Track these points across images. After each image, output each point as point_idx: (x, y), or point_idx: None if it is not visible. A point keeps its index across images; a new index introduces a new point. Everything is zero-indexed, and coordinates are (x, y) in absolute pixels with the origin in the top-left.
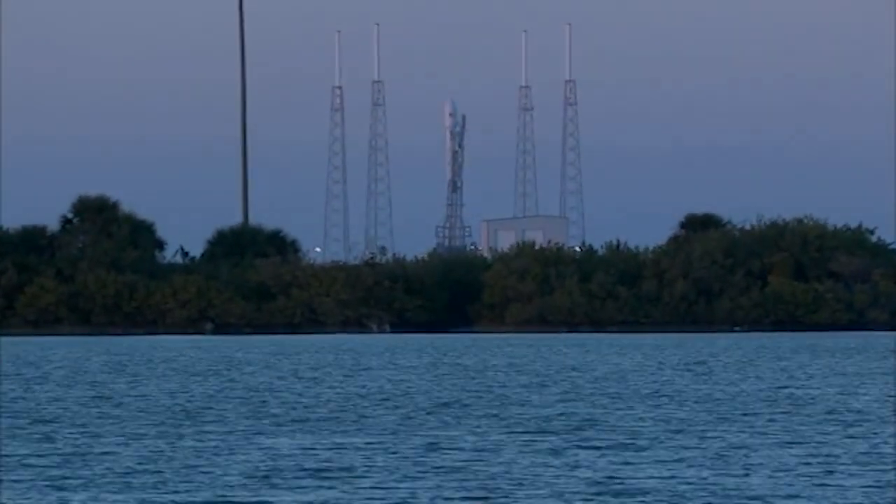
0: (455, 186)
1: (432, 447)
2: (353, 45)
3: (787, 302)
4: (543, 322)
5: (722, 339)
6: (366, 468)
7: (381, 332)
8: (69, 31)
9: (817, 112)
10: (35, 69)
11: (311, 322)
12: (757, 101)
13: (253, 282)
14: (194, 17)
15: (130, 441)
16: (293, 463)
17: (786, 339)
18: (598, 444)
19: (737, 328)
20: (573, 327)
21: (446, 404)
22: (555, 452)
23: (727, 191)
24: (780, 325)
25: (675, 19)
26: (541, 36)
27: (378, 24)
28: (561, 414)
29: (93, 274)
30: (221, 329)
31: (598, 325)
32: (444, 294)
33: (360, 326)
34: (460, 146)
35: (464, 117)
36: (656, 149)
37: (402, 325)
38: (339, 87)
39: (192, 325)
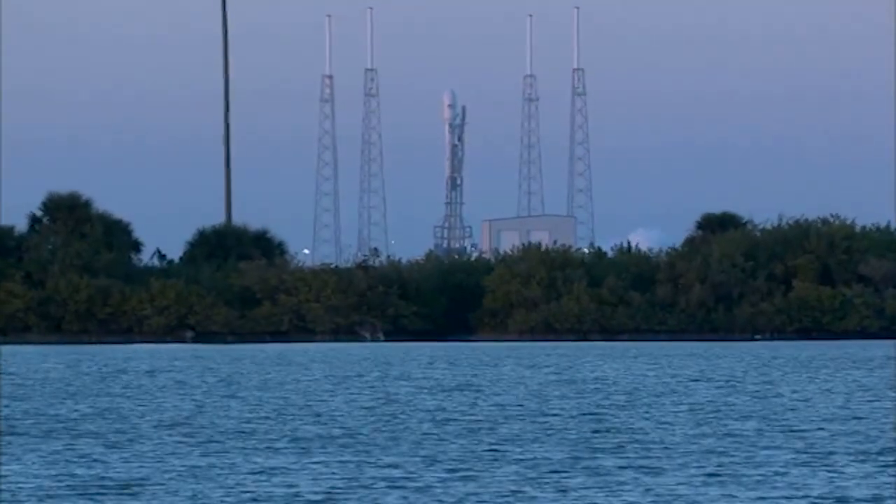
0: (454, 183)
1: None
2: (344, 30)
3: (812, 308)
4: (549, 330)
5: (751, 348)
6: None
7: (375, 340)
8: (37, 22)
9: (843, 105)
10: (2, 60)
11: (300, 330)
12: (779, 93)
13: (237, 286)
14: (173, 2)
15: None
16: None
17: (818, 349)
18: None
19: (758, 336)
20: (582, 335)
21: None
22: None
23: (747, 188)
24: (804, 333)
25: (691, 4)
26: (547, 21)
27: (371, 8)
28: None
29: (64, 278)
30: (202, 337)
31: (608, 334)
32: (443, 300)
33: (351, 334)
34: (460, 140)
35: (464, 109)
36: (671, 143)
37: (396, 332)
38: (330, 77)
39: (170, 333)
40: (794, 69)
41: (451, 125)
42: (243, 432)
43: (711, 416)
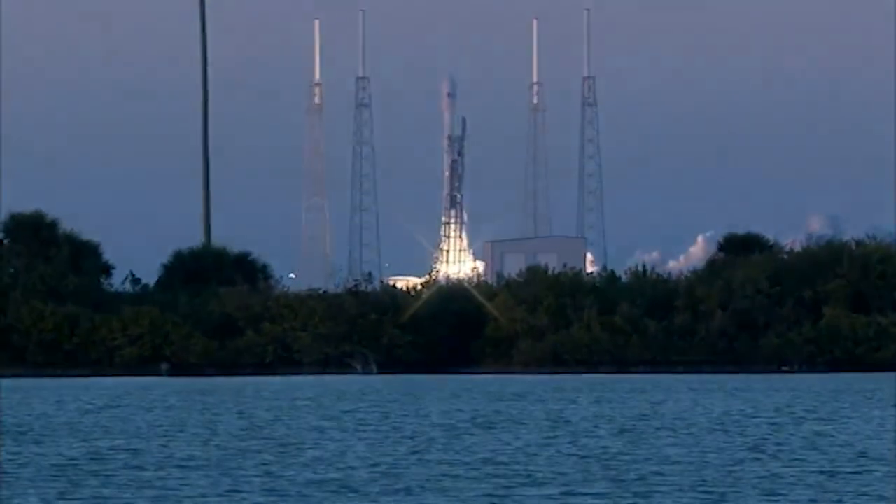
0: (454, 201)
1: None
2: (334, 34)
3: (844, 338)
4: (558, 361)
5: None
6: None
7: (367, 372)
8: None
9: (874, 109)
10: None
11: (285, 361)
12: (808, 98)
13: (216, 314)
14: (146, 7)
15: None
16: None
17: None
18: None
19: (785, 368)
20: (593, 367)
21: None
22: None
23: (774, 205)
24: (836, 365)
25: (710, 7)
26: (554, 24)
27: (363, 11)
28: None
29: (27, 305)
30: (179, 369)
31: (621, 365)
32: (441, 328)
33: (341, 366)
34: (460, 154)
35: (464, 120)
36: (690, 158)
37: (391, 364)
38: (318, 85)
39: (144, 365)
40: (821, 76)
41: (450, 137)
42: None
43: None
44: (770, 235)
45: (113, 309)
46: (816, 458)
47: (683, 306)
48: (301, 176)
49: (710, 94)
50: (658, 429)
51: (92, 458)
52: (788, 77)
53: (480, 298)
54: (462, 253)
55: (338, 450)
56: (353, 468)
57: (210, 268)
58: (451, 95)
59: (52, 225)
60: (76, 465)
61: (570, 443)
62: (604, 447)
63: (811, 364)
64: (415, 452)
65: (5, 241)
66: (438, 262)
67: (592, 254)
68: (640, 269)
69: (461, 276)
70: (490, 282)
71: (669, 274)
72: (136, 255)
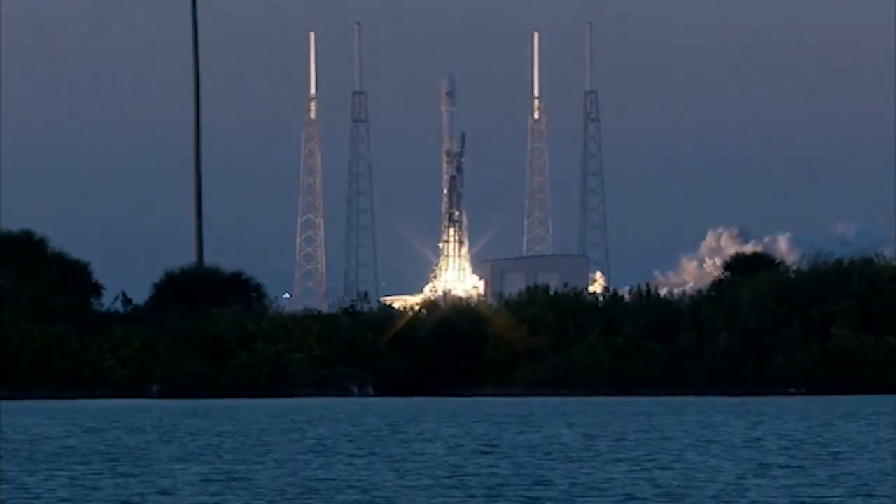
0: (452, 219)
1: None
2: (329, 48)
3: (853, 358)
4: (560, 383)
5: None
6: None
7: (364, 394)
8: None
9: (875, 125)
10: None
11: (279, 383)
12: (823, 114)
13: (209, 335)
14: (139, 12)
15: None
16: None
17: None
18: None
19: (793, 390)
20: (595, 389)
21: None
22: None
23: (782, 224)
24: (844, 386)
25: (715, 19)
26: (556, 38)
27: (359, 24)
28: None
29: (15, 325)
30: (170, 391)
31: (624, 387)
32: (440, 349)
33: (337, 388)
34: (459, 171)
35: (464, 135)
36: (697, 173)
37: (388, 386)
38: (313, 99)
39: (135, 387)
40: (826, 85)
41: (448, 153)
42: None
43: None
44: (781, 246)
45: (103, 330)
46: None
47: (688, 327)
48: (296, 193)
49: (719, 107)
50: None
51: None
52: (793, 83)
53: (481, 318)
54: (461, 272)
55: None
56: None
57: (202, 288)
58: (449, 94)
59: (41, 244)
60: None
61: None
62: None
63: (819, 385)
64: None
65: None
66: (437, 282)
67: (602, 273)
68: (643, 288)
69: (460, 295)
70: (490, 301)
71: (672, 293)
72: (126, 275)
